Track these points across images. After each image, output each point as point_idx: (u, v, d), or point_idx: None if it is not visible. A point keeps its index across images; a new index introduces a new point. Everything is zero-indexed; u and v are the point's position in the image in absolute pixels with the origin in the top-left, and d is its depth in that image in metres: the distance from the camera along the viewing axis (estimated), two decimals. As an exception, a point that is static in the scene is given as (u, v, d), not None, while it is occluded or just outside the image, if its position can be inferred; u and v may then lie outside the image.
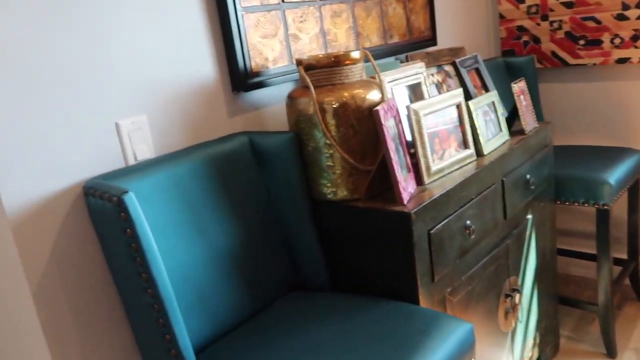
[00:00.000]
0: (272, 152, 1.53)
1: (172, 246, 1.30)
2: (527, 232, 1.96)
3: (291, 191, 1.53)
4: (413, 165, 1.58)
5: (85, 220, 1.27)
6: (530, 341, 2.03)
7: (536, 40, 2.72)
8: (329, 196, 1.53)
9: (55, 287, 1.23)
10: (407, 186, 1.48)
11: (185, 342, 1.19)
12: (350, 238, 1.52)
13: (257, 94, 1.67)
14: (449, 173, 1.63)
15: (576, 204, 2.17)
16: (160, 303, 1.15)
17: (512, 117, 2.03)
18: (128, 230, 1.12)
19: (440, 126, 1.64)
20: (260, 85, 1.63)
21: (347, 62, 1.51)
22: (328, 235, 1.56)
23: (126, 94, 1.35)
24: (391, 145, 1.43)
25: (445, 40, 2.50)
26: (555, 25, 2.65)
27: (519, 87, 2.01)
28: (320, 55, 1.54)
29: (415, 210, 1.39)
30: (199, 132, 1.53)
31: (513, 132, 2.00)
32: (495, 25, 2.85)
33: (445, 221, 1.51)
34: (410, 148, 1.61)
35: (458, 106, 1.71)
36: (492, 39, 2.87)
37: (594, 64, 2.59)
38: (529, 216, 1.98)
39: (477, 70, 2.13)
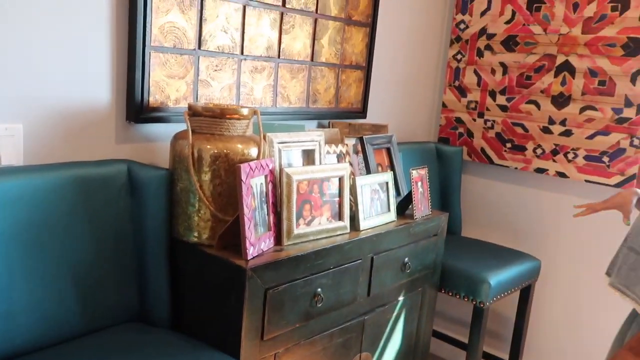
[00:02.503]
0: (145, 185, 1.59)
1: (8, 255, 1.34)
2: (395, 313, 2.01)
3: (153, 226, 1.59)
4: (276, 225, 1.65)
5: None
6: (378, 421, 2.06)
7: (470, 134, 2.83)
8: (186, 237, 1.60)
9: None
10: (258, 243, 1.54)
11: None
12: (199, 281, 1.58)
13: (152, 128, 1.76)
14: (314, 240, 1.70)
15: (457, 296, 2.23)
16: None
17: (409, 199, 2.11)
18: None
19: (315, 194, 1.72)
20: (156, 120, 1.72)
21: (232, 116, 1.60)
22: (180, 274, 1.62)
23: (6, 100, 1.43)
24: (247, 202, 1.50)
25: (378, 115, 2.61)
26: (489, 124, 2.77)
27: (418, 173, 2.09)
28: (209, 105, 1.63)
29: (253, 267, 1.45)
30: (80, 152, 1.60)
31: (406, 215, 2.08)
32: (437, 112, 2.97)
33: (290, 284, 1.56)
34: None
35: (340, 179, 1.79)
36: (432, 125, 2.98)
37: (516, 168, 2.69)
38: (401, 298, 2.03)
39: (388, 150, 2.22)
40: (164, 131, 1.79)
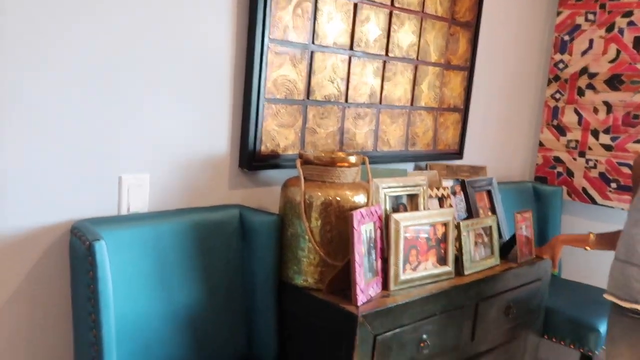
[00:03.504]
0: (256, 229, 1.68)
1: (134, 295, 1.45)
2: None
3: (264, 269, 1.66)
4: (383, 270, 1.68)
5: (66, 256, 1.45)
6: None
7: (570, 173, 2.76)
8: (296, 281, 1.66)
9: (20, 307, 1.42)
10: (367, 289, 1.58)
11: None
12: (306, 324, 1.63)
13: (262, 174, 1.86)
14: (419, 285, 1.72)
15: (562, 343, 2.16)
16: (100, 345, 1.30)
17: (512, 242, 2.08)
18: (90, 272, 1.29)
19: (421, 239, 1.74)
20: (266, 167, 1.81)
21: (342, 164, 1.66)
22: (287, 317, 1.68)
23: (137, 152, 1.57)
24: (359, 249, 1.55)
25: (474, 156, 2.60)
26: (591, 163, 2.69)
27: (522, 216, 2.07)
28: (320, 153, 1.71)
29: (364, 313, 1.49)
30: (197, 198, 1.72)
31: (509, 258, 2.05)
32: (534, 151, 2.92)
33: (398, 330, 1.58)
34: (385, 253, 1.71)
35: (445, 224, 1.80)
36: (528, 163, 2.93)
37: (622, 209, 2.58)
38: (504, 344, 1.99)
39: (489, 192, 2.21)
40: (273, 177, 1.88)
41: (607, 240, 1.97)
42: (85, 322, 1.32)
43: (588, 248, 2.00)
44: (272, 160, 1.83)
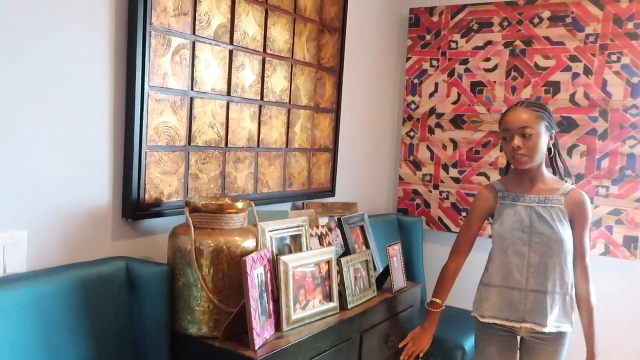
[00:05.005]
0: (145, 281, 1.63)
1: (17, 362, 1.35)
2: (382, 387, 2.10)
3: (155, 322, 1.62)
4: (275, 311, 1.72)
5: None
6: None
7: (427, 204, 3.03)
8: (190, 331, 1.64)
9: None
10: (262, 332, 1.60)
11: None
12: (203, 374, 1.61)
13: (146, 223, 1.81)
14: (309, 323, 1.78)
15: (434, 364, 2.35)
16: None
17: (386, 274, 2.24)
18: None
19: (308, 279, 1.81)
20: (151, 215, 1.77)
21: (230, 210, 1.69)
22: (184, 368, 1.65)
23: (11, 208, 1.46)
24: (253, 294, 1.58)
25: (345, 192, 2.76)
26: (444, 195, 2.98)
27: (393, 250, 2.23)
28: (208, 201, 1.72)
29: (263, 357, 1.51)
30: (80, 252, 1.63)
31: (384, 289, 2.20)
32: (395, 185, 3.16)
33: (294, 370, 1.63)
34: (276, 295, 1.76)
35: (329, 262, 1.90)
36: (391, 197, 3.17)
37: (472, 235, 2.89)
38: (386, 371, 2.12)
39: (362, 228, 2.35)
40: (158, 225, 1.85)
41: (447, 291, 2.11)
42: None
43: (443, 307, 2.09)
44: (157, 209, 1.79)
